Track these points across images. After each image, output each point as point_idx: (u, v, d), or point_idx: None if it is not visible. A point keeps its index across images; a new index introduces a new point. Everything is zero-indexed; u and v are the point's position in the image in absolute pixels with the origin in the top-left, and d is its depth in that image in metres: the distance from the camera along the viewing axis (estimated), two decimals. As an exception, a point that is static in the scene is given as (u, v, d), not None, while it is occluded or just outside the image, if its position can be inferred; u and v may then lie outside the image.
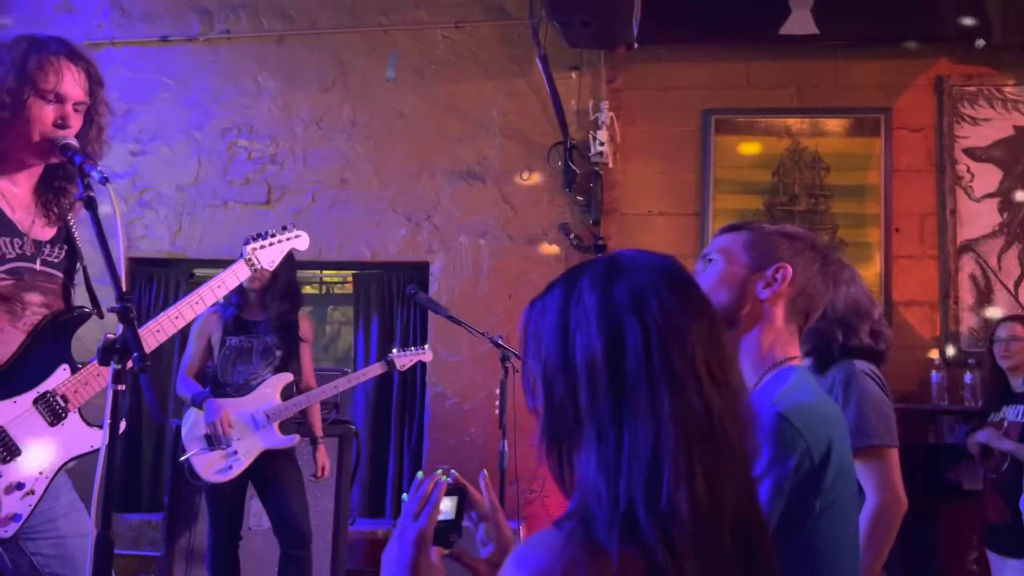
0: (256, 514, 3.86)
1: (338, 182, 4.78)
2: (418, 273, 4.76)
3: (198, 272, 5.04)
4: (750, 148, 4.47)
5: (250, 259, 2.22)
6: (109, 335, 1.49)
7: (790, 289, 1.41)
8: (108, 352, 1.48)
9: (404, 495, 1.13)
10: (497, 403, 3.48)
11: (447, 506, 1.12)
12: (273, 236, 2.33)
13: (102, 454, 1.46)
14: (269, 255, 2.29)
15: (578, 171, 4.39)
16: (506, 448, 3.43)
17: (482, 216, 4.69)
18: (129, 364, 1.47)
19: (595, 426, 0.82)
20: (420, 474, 1.14)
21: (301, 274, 5.28)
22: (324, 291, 5.42)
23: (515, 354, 3.47)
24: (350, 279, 5.25)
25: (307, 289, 5.53)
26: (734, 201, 4.40)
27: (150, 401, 1.43)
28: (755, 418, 0.92)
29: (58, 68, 1.77)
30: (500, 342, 3.48)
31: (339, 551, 3.99)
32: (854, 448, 1.43)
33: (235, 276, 2.14)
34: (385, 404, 4.85)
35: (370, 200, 4.76)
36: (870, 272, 4.26)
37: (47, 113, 1.76)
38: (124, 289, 1.54)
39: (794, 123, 4.45)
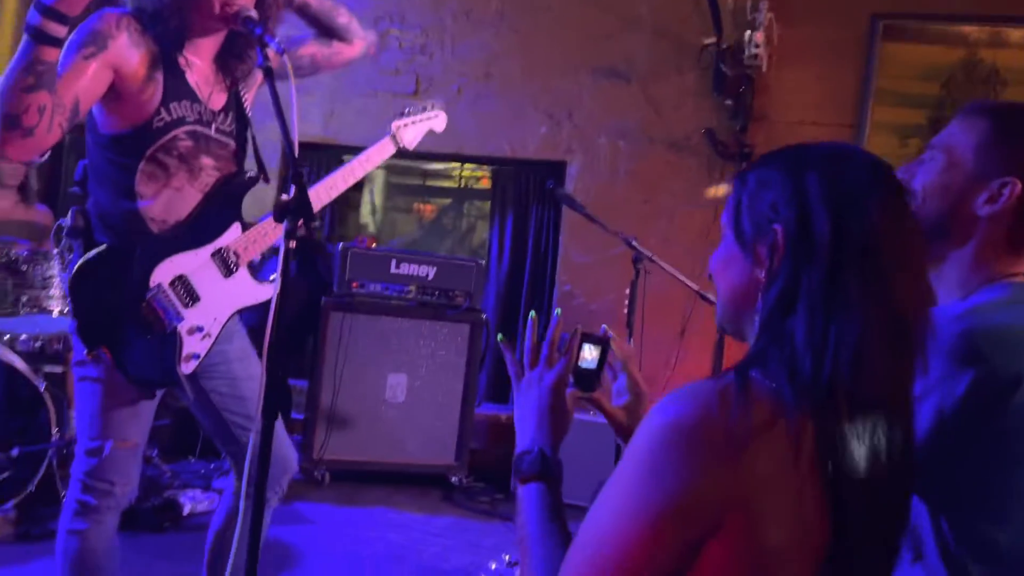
0: (392, 387, 4.13)
1: (483, 76, 4.82)
2: (555, 172, 4.79)
3: (347, 158, 5.24)
4: (919, 57, 4.17)
5: (395, 136, 2.34)
6: (284, 196, 1.62)
7: (1019, 206, 1.20)
8: (282, 211, 1.60)
9: (499, 336, 1.24)
10: (626, 303, 3.53)
11: (592, 355, 1.19)
12: (415, 115, 2.42)
13: (274, 302, 1.61)
14: (411, 133, 2.40)
15: (729, 74, 4.24)
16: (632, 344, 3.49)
17: (623, 117, 4.63)
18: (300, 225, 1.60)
19: (808, 302, 0.88)
20: (533, 314, 1.22)
21: (440, 166, 5.43)
22: (462, 185, 5.54)
23: (648, 256, 3.48)
24: (485, 176, 5.33)
25: (445, 183, 5.68)
26: (895, 114, 4.16)
27: (319, 259, 1.56)
28: (932, 332, 0.96)
29: None
30: (634, 243, 3.49)
31: (465, 430, 4.22)
32: None
33: (380, 153, 2.29)
34: (515, 298, 5.00)
35: (512, 96, 4.78)
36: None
37: None
38: (297, 156, 1.65)
39: (972, 31, 4.11)
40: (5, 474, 3.08)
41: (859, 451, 0.86)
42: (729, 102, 4.31)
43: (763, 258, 0.94)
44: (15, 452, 3.08)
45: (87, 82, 1.73)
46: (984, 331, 1.11)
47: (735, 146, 4.34)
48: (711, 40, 4.30)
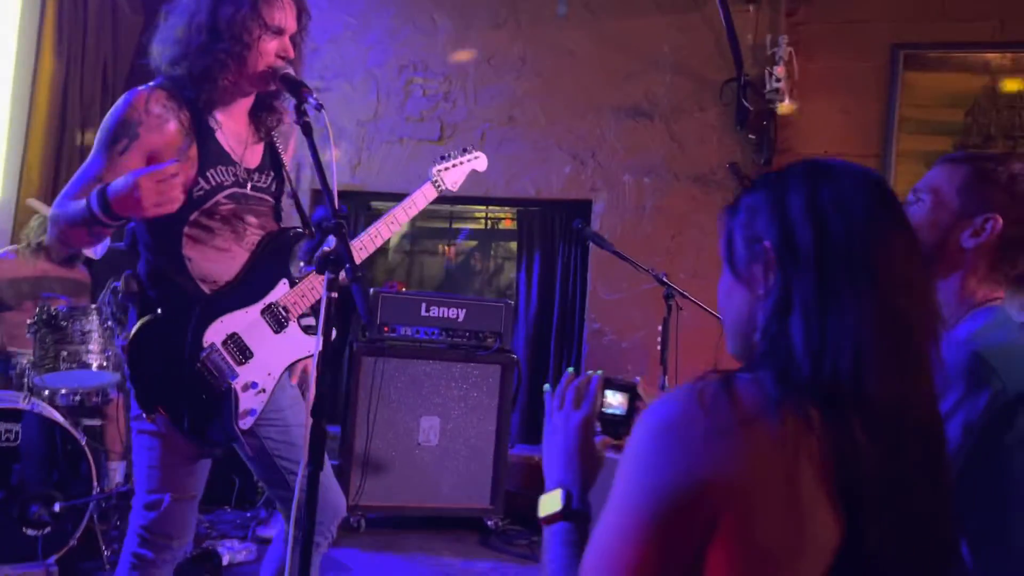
0: (425, 431, 4.13)
1: (506, 120, 4.88)
2: (581, 211, 4.82)
3: (375, 204, 5.32)
4: (942, 85, 4.18)
5: (436, 181, 2.33)
6: (325, 248, 1.64)
7: (1000, 240, 1.36)
8: (324, 263, 1.63)
9: (546, 386, 1.23)
10: (659, 339, 3.51)
11: (619, 400, 1.18)
12: (456, 158, 2.42)
13: (317, 350, 1.63)
14: (453, 176, 2.39)
15: (751, 109, 4.26)
16: (667, 384, 3.47)
17: (648, 154, 4.66)
18: (342, 274, 1.62)
19: (802, 307, 0.89)
20: (571, 369, 1.22)
21: (465, 208, 5.48)
22: (489, 226, 5.58)
23: (680, 292, 3.47)
24: (509, 216, 5.37)
25: (471, 224, 5.73)
26: (921, 142, 4.15)
27: (361, 307, 1.57)
28: (943, 340, 0.95)
29: (281, 4, 1.92)
30: (665, 279, 3.49)
31: (499, 473, 4.20)
32: None
33: (424, 197, 2.28)
34: (544, 338, 5.00)
35: (536, 137, 4.84)
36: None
37: (272, 47, 1.92)
38: (336, 207, 1.68)
39: (994, 59, 4.11)
40: (47, 529, 3.10)
41: (871, 451, 0.84)
42: (752, 136, 4.33)
43: (758, 278, 0.96)
44: (57, 507, 3.10)
45: (125, 172, 1.81)
46: (990, 350, 1.25)
47: (760, 179, 4.34)
48: (732, 76, 4.34)
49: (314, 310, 2.08)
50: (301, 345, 2.04)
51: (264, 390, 1.98)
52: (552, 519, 1.05)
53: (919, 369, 0.90)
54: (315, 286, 2.02)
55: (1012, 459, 1.24)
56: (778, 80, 4.16)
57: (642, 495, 0.85)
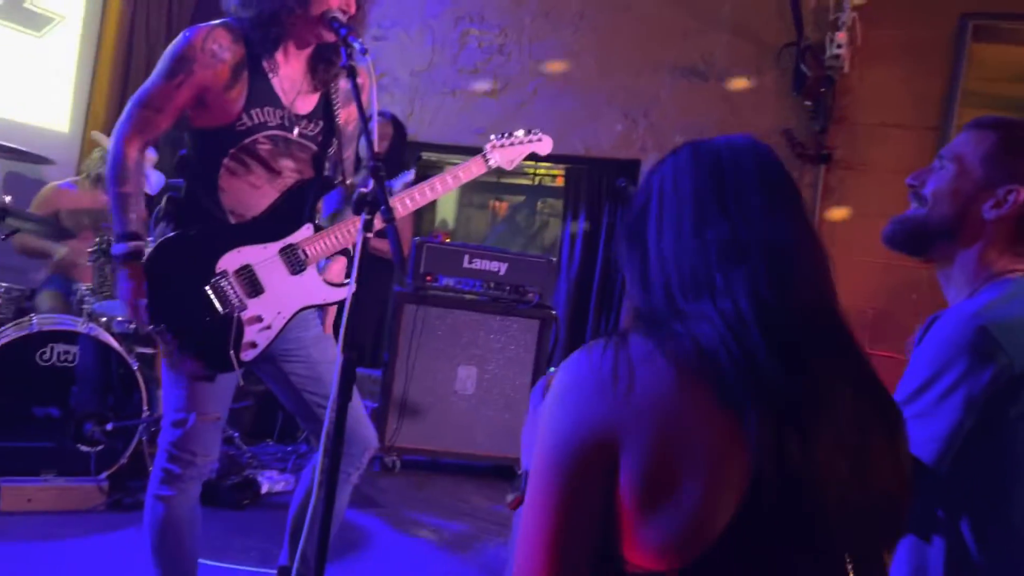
0: (462, 379, 4.22)
1: (560, 75, 4.86)
2: (629, 170, 4.80)
3: (425, 155, 5.36)
4: (1010, 58, 4.03)
5: (487, 156, 2.27)
6: (362, 189, 1.70)
7: (1022, 212, 1.32)
8: (360, 204, 1.68)
9: (551, 368, 1.23)
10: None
11: None
12: (514, 136, 2.32)
13: (350, 291, 1.69)
14: (508, 155, 2.30)
15: (809, 74, 4.17)
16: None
17: (701, 116, 4.60)
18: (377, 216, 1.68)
19: (658, 252, 0.97)
20: (552, 369, 1.21)
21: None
22: (536, 182, 5.59)
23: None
24: (560, 174, 5.37)
25: (520, 180, 5.74)
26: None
27: (394, 250, 1.62)
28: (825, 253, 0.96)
29: None
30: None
31: (532, 424, 4.27)
32: None
33: (470, 170, 2.23)
34: (585, 296, 5.03)
35: (590, 94, 4.81)
36: None
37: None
38: (376, 150, 1.73)
39: (1070, 32, 3.95)
40: (100, 447, 3.28)
41: (773, 392, 0.84)
42: (809, 103, 4.24)
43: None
44: (109, 427, 3.28)
45: (178, 104, 1.97)
46: (998, 324, 1.21)
47: (814, 147, 4.27)
48: (791, 40, 4.24)
49: (347, 255, 2.14)
50: (318, 291, 2.07)
51: (270, 327, 2.02)
52: (515, 503, 1.04)
53: (795, 282, 0.92)
54: (340, 236, 2.05)
55: (1016, 435, 1.22)
56: (839, 46, 4.06)
57: (547, 455, 0.89)
